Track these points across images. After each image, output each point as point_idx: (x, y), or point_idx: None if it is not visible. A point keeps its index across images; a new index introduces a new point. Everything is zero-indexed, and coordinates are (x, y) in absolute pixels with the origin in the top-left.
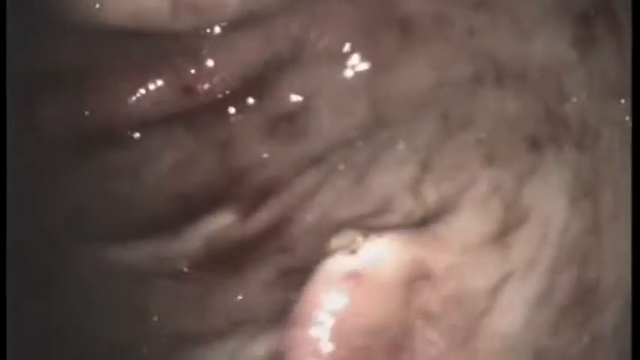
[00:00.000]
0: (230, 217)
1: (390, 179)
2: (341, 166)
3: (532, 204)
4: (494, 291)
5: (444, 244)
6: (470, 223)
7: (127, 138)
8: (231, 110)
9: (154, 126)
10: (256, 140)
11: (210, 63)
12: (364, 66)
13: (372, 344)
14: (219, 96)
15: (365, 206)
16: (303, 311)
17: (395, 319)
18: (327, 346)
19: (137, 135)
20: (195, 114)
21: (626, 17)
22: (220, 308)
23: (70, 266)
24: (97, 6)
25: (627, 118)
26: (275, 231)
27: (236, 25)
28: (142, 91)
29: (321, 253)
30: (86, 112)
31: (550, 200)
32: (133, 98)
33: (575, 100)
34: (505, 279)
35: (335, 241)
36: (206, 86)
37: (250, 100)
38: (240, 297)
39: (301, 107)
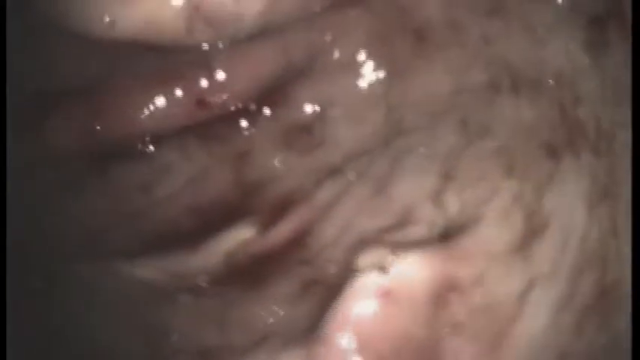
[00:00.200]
0: (249, 231)
1: (411, 188)
2: (360, 177)
3: (552, 211)
4: (520, 298)
5: (469, 256)
6: (493, 234)
7: (140, 151)
8: (246, 122)
9: (168, 139)
10: (272, 152)
11: (223, 75)
12: (380, 74)
13: (401, 357)
14: (233, 108)
15: (387, 217)
16: (334, 327)
17: (424, 332)
18: None
19: (150, 148)
20: (209, 127)
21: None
22: (242, 323)
23: (87, 284)
24: (109, 19)
25: None
26: (295, 244)
27: (252, 37)
28: (155, 103)
29: (348, 269)
30: (98, 126)
31: (569, 206)
32: (146, 111)
33: (589, 105)
34: (530, 286)
35: (363, 259)
36: (220, 98)
37: (265, 112)
38: (262, 312)
39: (317, 117)
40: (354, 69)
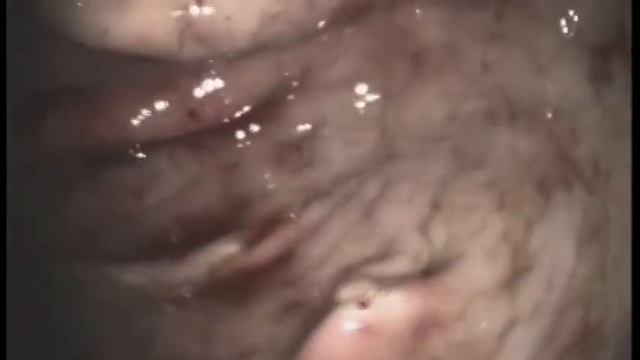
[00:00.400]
0: (234, 246)
1: (399, 216)
2: (348, 200)
3: (540, 249)
4: (502, 335)
5: (453, 293)
6: (479, 271)
7: (130, 157)
8: (237, 135)
9: (158, 147)
10: (262, 167)
11: (216, 87)
12: (375, 95)
13: None
14: (225, 120)
15: (372, 244)
16: (313, 357)
17: None
18: None
19: (141, 155)
20: (200, 137)
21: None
22: (224, 338)
23: (79, 285)
24: (102, 28)
25: None
26: (280, 263)
27: (245, 54)
28: (146, 112)
29: (330, 297)
30: (92, 129)
31: (558, 244)
32: (137, 118)
33: (588, 142)
34: (512, 323)
35: (346, 291)
36: (211, 110)
37: (256, 126)
38: (244, 328)
39: (309, 135)
40: (349, 89)
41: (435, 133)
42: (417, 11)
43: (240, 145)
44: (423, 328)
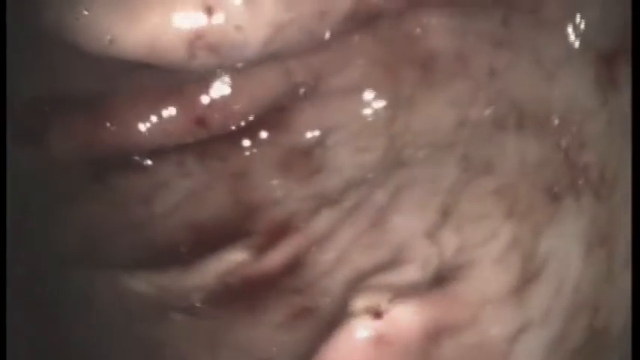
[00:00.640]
0: (243, 254)
1: (409, 223)
2: (358, 207)
3: (549, 255)
4: (513, 340)
5: (464, 301)
6: (489, 278)
7: (139, 165)
8: (245, 143)
9: (166, 154)
10: (270, 174)
11: (224, 95)
12: (383, 102)
13: None
14: (233, 128)
15: (382, 252)
16: None
17: None
18: None
19: (149, 162)
20: (208, 145)
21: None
22: (233, 346)
23: (85, 292)
24: (109, 38)
25: None
26: (289, 271)
27: (256, 62)
28: (154, 119)
29: (342, 306)
30: (97, 138)
31: (566, 249)
32: (145, 126)
33: (595, 149)
34: (523, 328)
35: (358, 302)
36: (220, 118)
37: (265, 133)
38: (253, 336)
39: (318, 142)
40: (358, 96)
41: (444, 140)
42: (425, 19)
43: (248, 153)
44: (434, 335)
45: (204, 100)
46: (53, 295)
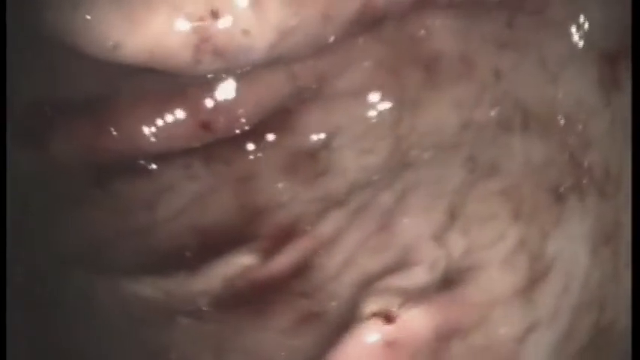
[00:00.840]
0: (250, 258)
1: (416, 226)
2: (364, 210)
3: (556, 255)
4: (521, 340)
5: (473, 302)
6: (497, 280)
7: (143, 169)
8: (251, 146)
9: (171, 158)
10: (276, 177)
11: (229, 98)
12: (388, 104)
13: None
14: (238, 131)
15: (390, 255)
16: None
17: None
18: None
19: (154, 166)
20: (214, 148)
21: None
22: (240, 350)
23: (86, 297)
24: (112, 43)
25: None
26: (296, 274)
27: (261, 66)
28: (158, 123)
29: (351, 310)
30: (100, 142)
31: (573, 249)
32: (149, 130)
33: (599, 148)
34: (531, 328)
35: (370, 305)
36: (225, 121)
37: (271, 136)
38: (260, 340)
39: (323, 145)
40: (362, 98)
41: (449, 141)
42: (430, 20)
43: (254, 156)
44: (444, 338)
45: (209, 103)
46: (53, 295)
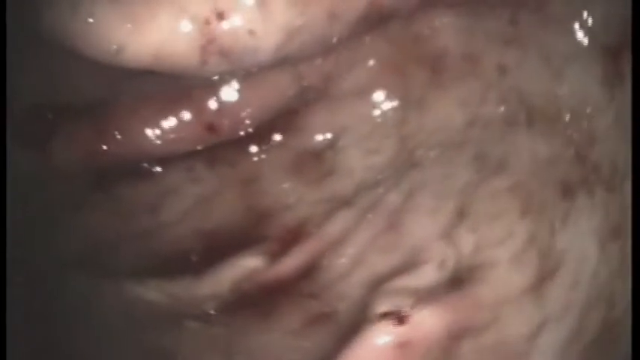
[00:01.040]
0: (257, 260)
1: (424, 225)
2: (372, 210)
3: (565, 251)
4: (532, 336)
5: (484, 301)
6: (507, 278)
7: (146, 172)
8: (256, 147)
9: (175, 161)
10: (282, 179)
11: (234, 100)
12: (394, 103)
13: None
14: (244, 133)
15: (398, 255)
16: None
17: None
18: None
19: (157, 169)
20: (218, 150)
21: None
22: (248, 352)
23: (88, 300)
24: (115, 46)
25: None
26: (304, 276)
27: (267, 67)
28: (162, 125)
29: (361, 310)
30: (103, 146)
31: (581, 245)
32: (153, 132)
33: (605, 142)
34: (541, 324)
35: (381, 307)
36: (230, 123)
37: (276, 137)
38: (268, 342)
39: (329, 145)
40: (368, 97)
41: (455, 139)
42: (434, 18)
43: (258, 158)
44: (455, 337)
45: (215, 106)
46: (53, 297)
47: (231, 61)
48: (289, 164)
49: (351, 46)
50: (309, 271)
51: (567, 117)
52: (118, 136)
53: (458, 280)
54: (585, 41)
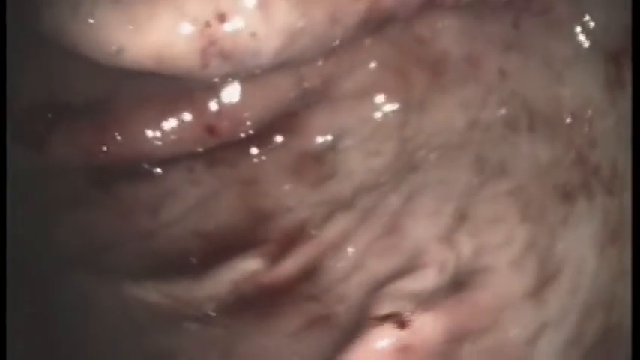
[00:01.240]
0: (257, 263)
1: (424, 228)
2: (372, 213)
3: (565, 256)
4: (531, 340)
5: (484, 305)
6: (506, 282)
7: (147, 173)
8: (256, 149)
9: (175, 162)
10: (281, 181)
11: (235, 102)
12: (394, 105)
13: None
14: (243, 135)
15: (398, 257)
16: None
17: None
18: None
19: (157, 170)
20: (218, 152)
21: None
22: (248, 354)
23: (86, 300)
24: (115, 48)
25: None
26: (304, 278)
27: (268, 69)
28: (163, 126)
29: (361, 313)
30: (102, 146)
31: (581, 249)
32: (153, 133)
33: (605, 146)
34: (541, 329)
35: (379, 310)
36: (230, 125)
37: (276, 139)
38: (268, 344)
39: (329, 147)
40: (368, 99)
41: (456, 142)
42: (436, 21)
43: (259, 159)
44: (455, 340)
45: (215, 108)
46: (53, 296)
47: (232, 64)
48: (290, 166)
49: (352, 48)
50: (309, 273)
51: (568, 121)
52: (118, 137)
53: (458, 284)
54: (587, 45)
